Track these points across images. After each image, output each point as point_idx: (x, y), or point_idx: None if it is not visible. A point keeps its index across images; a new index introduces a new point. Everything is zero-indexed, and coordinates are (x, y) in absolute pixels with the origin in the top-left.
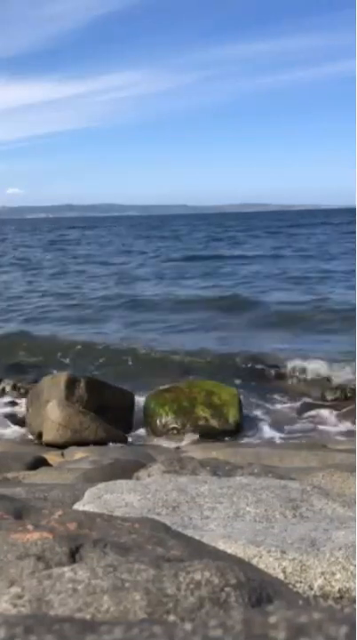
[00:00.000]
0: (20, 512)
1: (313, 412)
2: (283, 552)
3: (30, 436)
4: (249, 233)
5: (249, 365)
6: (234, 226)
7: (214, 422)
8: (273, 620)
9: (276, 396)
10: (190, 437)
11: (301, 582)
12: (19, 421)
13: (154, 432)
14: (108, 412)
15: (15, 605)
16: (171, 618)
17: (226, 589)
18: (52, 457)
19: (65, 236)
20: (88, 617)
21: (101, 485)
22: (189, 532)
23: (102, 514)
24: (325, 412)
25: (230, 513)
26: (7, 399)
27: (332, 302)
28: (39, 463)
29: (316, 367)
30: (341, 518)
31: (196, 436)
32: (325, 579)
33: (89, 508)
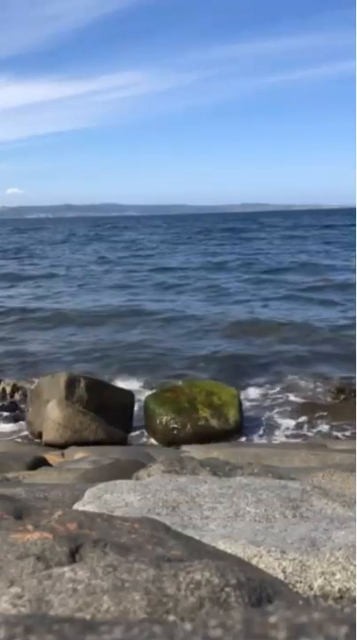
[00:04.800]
0: (20, 512)
1: (313, 412)
2: (283, 552)
3: (30, 436)
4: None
5: (249, 365)
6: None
7: (214, 422)
8: (273, 619)
9: (276, 397)
10: (190, 437)
11: (301, 582)
12: (19, 421)
13: (154, 432)
14: (108, 412)
15: (15, 605)
16: (171, 618)
17: (226, 589)
18: (52, 457)
19: None
20: (88, 617)
21: (101, 485)
22: (189, 532)
23: (102, 514)
24: (325, 412)
25: (230, 513)
26: (7, 399)
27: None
28: (39, 463)
29: (316, 367)
30: (341, 518)
31: (196, 436)
32: (325, 579)
33: (89, 507)
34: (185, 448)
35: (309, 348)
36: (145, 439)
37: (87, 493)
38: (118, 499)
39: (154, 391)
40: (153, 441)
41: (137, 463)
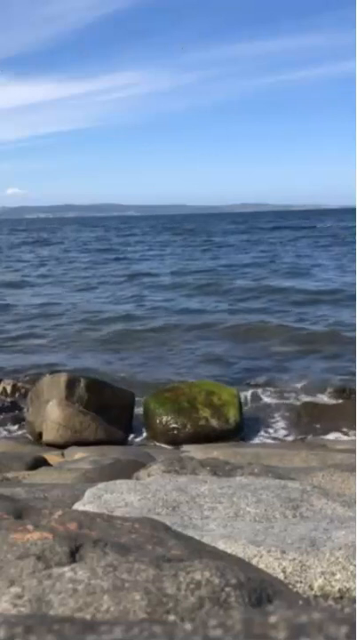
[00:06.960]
0: (20, 512)
1: (313, 412)
2: (283, 552)
3: (30, 436)
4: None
5: (248, 366)
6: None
7: (214, 422)
8: (273, 619)
9: (276, 397)
10: (190, 437)
11: (301, 582)
12: (19, 421)
13: (154, 432)
14: (108, 412)
15: (15, 605)
16: (171, 618)
17: (226, 589)
18: (52, 457)
19: None
20: (88, 617)
21: (101, 485)
22: (189, 532)
23: (102, 514)
24: (325, 413)
25: (230, 513)
26: (7, 399)
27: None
28: (39, 463)
29: (316, 367)
30: (341, 518)
31: (196, 436)
32: (325, 579)
33: (89, 508)
34: (185, 448)
35: (309, 349)
36: (145, 439)
37: (87, 493)
38: (118, 499)
39: (154, 391)
40: (153, 441)
41: (137, 463)
